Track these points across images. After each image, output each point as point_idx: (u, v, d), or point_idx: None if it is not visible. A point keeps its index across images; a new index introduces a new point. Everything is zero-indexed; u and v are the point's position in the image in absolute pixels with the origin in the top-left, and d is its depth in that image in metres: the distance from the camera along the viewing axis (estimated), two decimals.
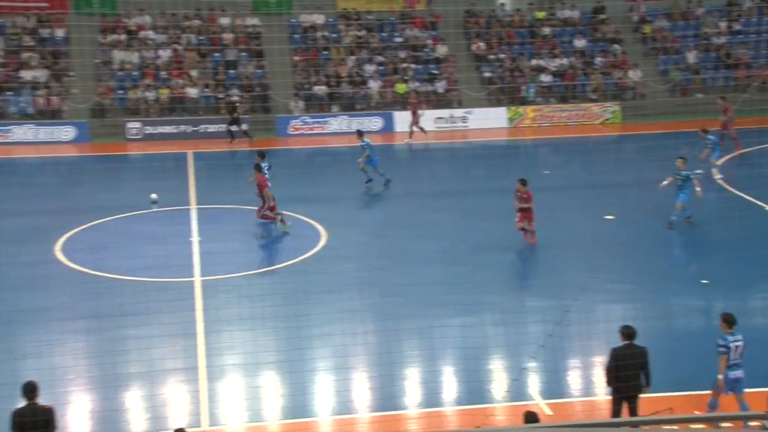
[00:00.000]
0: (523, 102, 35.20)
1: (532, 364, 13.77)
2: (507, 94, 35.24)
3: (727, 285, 17.92)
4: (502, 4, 39.22)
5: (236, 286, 17.73)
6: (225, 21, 37.17)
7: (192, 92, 34.27)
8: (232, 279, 18.14)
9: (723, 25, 37.99)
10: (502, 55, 36.63)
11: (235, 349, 14.85)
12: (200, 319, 16.01)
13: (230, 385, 13.92)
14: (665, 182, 20.88)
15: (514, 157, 31.04)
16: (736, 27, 37.84)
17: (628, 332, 12.22)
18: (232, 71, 35.46)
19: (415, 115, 31.82)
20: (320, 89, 35.08)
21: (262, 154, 22.83)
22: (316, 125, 34.18)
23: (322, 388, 14.04)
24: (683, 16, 38.64)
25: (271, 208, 20.81)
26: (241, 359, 14.54)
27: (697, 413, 11.79)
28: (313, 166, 29.44)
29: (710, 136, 25.08)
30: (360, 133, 26.24)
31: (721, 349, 12.14)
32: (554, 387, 13.98)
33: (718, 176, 25.05)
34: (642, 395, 12.14)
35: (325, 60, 36.33)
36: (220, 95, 34.45)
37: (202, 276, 18.23)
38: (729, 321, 12.27)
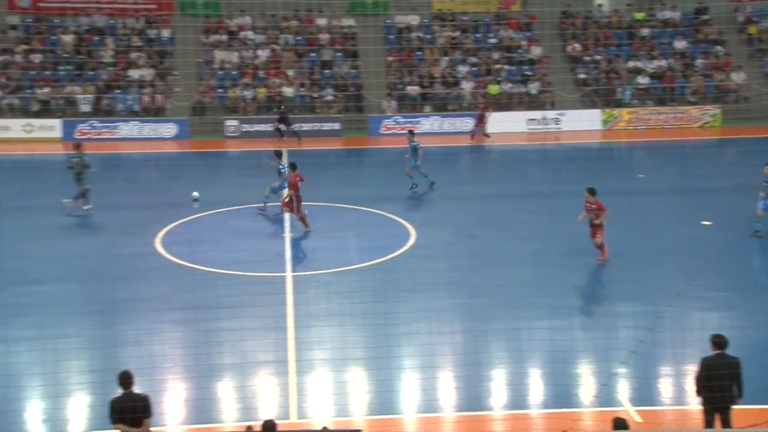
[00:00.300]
0: (619, 104, 34.56)
1: (622, 370, 13.57)
2: (602, 96, 34.67)
3: None
4: (600, 5, 38.57)
5: (326, 283, 18.05)
6: (322, 22, 37.79)
7: (288, 91, 34.99)
8: (322, 275, 18.48)
9: None
10: (597, 57, 36.04)
11: (323, 344, 15.12)
12: (291, 314, 16.38)
13: (318, 380, 14.19)
14: (762, 192, 20.20)
15: (608, 159, 30.52)
16: None
17: (719, 341, 11.89)
18: (327, 71, 36.03)
19: (482, 118, 31.64)
20: (413, 89, 35.27)
21: (279, 154, 23.28)
22: (409, 125, 34.35)
23: (408, 385, 14.16)
24: None
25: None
26: (330, 354, 14.79)
27: None
28: (404, 165, 29.62)
29: None
30: (411, 133, 26.10)
31: None
32: (645, 394, 13.70)
33: None
34: (734, 407, 11.82)
35: (418, 60, 36.49)
36: (315, 94, 35.06)
37: (294, 271, 18.64)
38: None
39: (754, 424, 11.43)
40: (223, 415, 13.14)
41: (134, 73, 35.15)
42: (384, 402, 13.45)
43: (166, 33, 37.04)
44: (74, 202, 22.69)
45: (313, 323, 16.01)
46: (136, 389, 10.67)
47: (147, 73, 35.21)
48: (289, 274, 18.46)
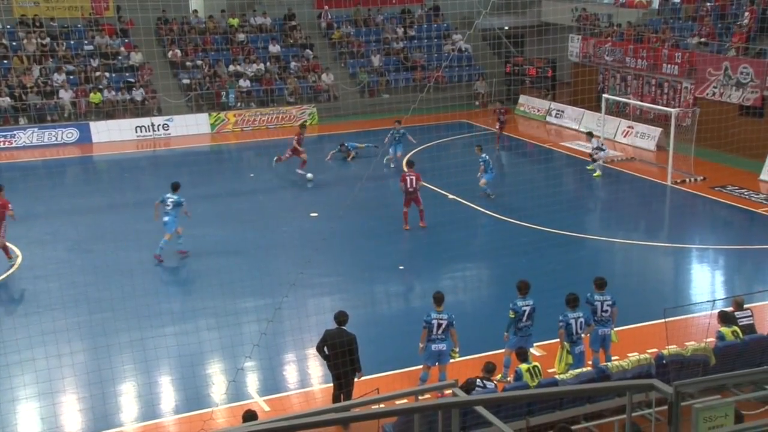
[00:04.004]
0: (224, 107, 35.39)
1: (249, 364, 14.01)
2: (207, 100, 35.21)
3: (420, 269, 19.55)
4: (195, 11, 39.02)
5: None
6: None
7: None
8: None
9: (400, 31, 40.93)
10: (199, 62, 36.49)
11: None
12: None
13: None
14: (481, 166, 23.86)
15: (218, 162, 31.14)
16: (411, 33, 40.98)
17: (338, 318, 13.06)
18: None
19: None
20: (3, 101, 32.61)
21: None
22: (2, 139, 31.82)
23: (26, 416, 13.23)
24: (365, 22, 41.05)
25: None
26: None
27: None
28: (0, 182, 27.35)
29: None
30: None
31: (424, 324, 13.34)
32: (271, 383, 14.35)
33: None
34: (356, 380, 12.94)
35: (6, 69, 33.81)
36: None
37: None
38: (436, 300, 13.49)
39: (363, 394, 12.61)
40: None
41: None
42: None
43: None
44: None
45: None
46: None
47: None
48: None
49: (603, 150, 27.36)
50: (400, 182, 21.73)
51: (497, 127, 31.24)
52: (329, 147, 30.91)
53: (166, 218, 19.96)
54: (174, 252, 20.04)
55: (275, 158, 27.56)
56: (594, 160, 27.29)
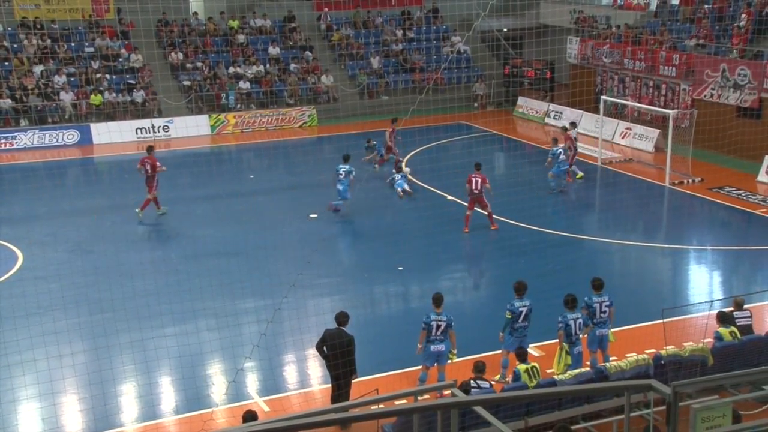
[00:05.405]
0: (224, 109, 35.45)
1: (249, 364, 14.09)
2: (207, 102, 35.27)
3: (419, 270, 19.62)
4: (195, 13, 39.09)
5: None
6: None
7: None
8: None
9: (399, 33, 40.99)
10: (199, 64, 36.55)
11: None
12: None
13: None
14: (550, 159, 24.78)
15: (218, 163, 31.19)
16: (410, 35, 41.04)
17: (338, 319, 13.15)
18: None
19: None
20: (4, 102, 32.68)
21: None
22: (3, 141, 31.89)
23: (26, 416, 13.29)
24: (365, 24, 41.12)
25: None
26: None
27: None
28: (1, 184, 27.44)
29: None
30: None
31: (423, 325, 13.41)
32: (271, 384, 14.42)
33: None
34: (353, 380, 13.01)
35: (7, 71, 33.88)
36: None
37: None
38: (435, 301, 13.55)
39: (362, 395, 12.67)
40: None
41: None
42: None
43: None
44: None
45: None
46: None
47: None
48: None
49: (563, 153, 25.37)
50: (466, 184, 21.35)
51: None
52: (329, 148, 31.03)
53: (340, 187, 22.56)
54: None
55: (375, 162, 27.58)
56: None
